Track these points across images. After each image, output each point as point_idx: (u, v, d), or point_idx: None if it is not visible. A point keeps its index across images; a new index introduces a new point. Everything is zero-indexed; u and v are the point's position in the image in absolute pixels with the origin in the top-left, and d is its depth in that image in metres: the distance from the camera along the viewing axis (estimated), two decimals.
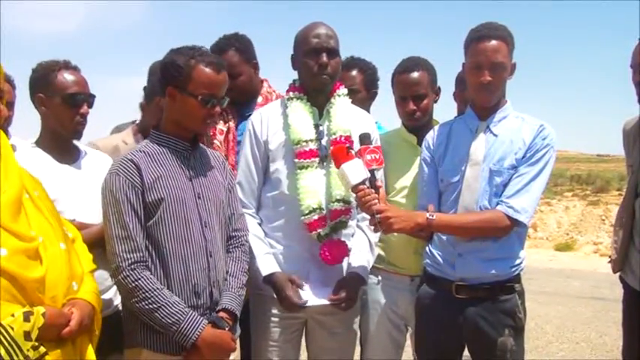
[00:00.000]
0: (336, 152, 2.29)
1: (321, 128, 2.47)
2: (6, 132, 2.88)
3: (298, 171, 2.40)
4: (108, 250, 2.04)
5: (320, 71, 2.40)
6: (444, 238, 2.41)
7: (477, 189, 2.34)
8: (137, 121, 3.11)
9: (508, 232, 2.32)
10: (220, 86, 2.14)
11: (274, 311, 2.44)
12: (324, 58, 2.39)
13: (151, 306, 1.98)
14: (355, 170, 2.22)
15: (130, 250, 1.99)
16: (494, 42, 2.30)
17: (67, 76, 2.32)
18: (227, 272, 2.22)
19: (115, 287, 2.34)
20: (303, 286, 2.38)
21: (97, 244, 2.12)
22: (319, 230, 2.39)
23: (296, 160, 2.41)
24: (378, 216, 2.21)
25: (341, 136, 2.42)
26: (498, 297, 2.35)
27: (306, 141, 2.40)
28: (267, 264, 2.40)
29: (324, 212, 2.40)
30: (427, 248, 2.49)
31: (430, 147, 2.53)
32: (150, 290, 1.98)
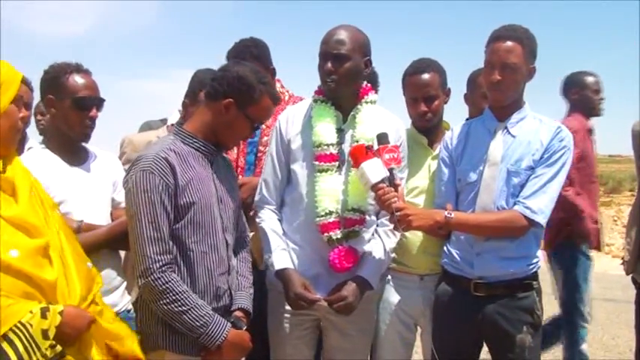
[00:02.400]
0: (355, 152, 2.30)
1: (344, 133, 2.47)
2: (23, 133, 2.93)
3: (318, 174, 2.40)
4: (134, 249, 1.99)
5: (325, 77, 2.41)
6: (462, 237, 2.44)
7: (495, 189, 2.37)
8: (167, 119, 3.19)
9: (525, 233, 2.34)
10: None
11: (287, 307, 2.45)
12: (329, 64, 2.39)
13: (180, 308, 1.96)
14: (374, 169, 2.24)
15: (161, 252, 1.96)
16: (509, 43, 2.33)
17: (78, 80, 2.32)
18: (237, 272, 2.25)
19: (121, 289, 2.37)
20: (313, 290, 2.38)
21: (104, 245, 2.14)
22: (331, 233, 2.39)
23: (316, 163, 2.41)
24: (398, 213, 2.23)
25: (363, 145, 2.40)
26: (517, 294, 2.38)
27: (328, 145, 2.40)
28: (281, 259, 2.42)
29: (339, 217, 2.41)
30: (445, 247, 2.51)
31: (448, 147, 2.56)
32: (179, 293, 1.96)
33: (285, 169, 2.50)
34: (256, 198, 2.56)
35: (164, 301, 1.96)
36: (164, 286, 1.95)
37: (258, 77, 2.11)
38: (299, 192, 2.46)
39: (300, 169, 2.46)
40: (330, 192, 2.39)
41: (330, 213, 2.38)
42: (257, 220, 2.53)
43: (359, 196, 2.40)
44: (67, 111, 2.30)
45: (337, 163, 2.42)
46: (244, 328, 2.13)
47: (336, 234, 2.40)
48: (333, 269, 2.41)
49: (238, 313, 2.16)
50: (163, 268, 1.96)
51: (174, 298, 1.96)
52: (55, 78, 2.31)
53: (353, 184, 2.40)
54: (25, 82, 2.81)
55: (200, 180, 2.08)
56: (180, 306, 1.96)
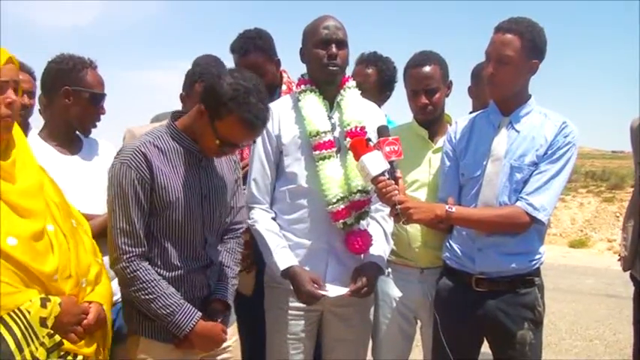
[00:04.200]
0: (355, 144, 2.30)
1: (332, 120, 2.48)
2: (26, 122, 2.93)
3: (320, 162, 2.40)
4: (109, 238, 2.04)
5: (329, 61, 2.41)
6: (464, 232, 2.42)
7: (498, 184, 2.34)
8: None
9: (526, 229, 2.32)
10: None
11: (292, 304, 2.45)
12: (334, 48, 2.40)
13: (147, 296, 2.00)
14: (375, 162, 2.23)
15: (132, 245, 2.00)
16: (506, 35, 2.29)
17: (96, 76, 2.41)
18: (221, 262, 2.25)
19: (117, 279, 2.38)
20: (322, 282, 2.38)
21: (102, 234, 2.14)
22: (346, 219, 2.40)
23: (316, 152, 2.41)
24: (399, 207, 2.23)
25: (356, 127, 2.43)
26: (518, 290, 2.36)
27: (325, 132, 2.41)
28: (284, 258, 2.40)
29: (348, 201, 2.42)
30: (447, 242, 2.50)
31: (452, 140, 2.54)
32: (147, 281, 2.00)
33: (274, 166, 2.49)
34: (246, 198, 2.52)
35: (133, 288, 2.01)
36: (132, 275, 1.99)
37: (235, 94, 1.92)
38: (298, 184, 2.45)
39: (296, 161, 2.46)
40: (335, 178, 2.40)
41: (342, 199, 2.39)
42: (248, 222, 2.49)
43: (361, 177, 2.40)
44: (84, 104, 2.37)
45: (335, 149, 2.42)
46: (220, 320, 2.14)
47: (350, 219, 2.41)
48: (354, 252, 2.44)
49: (215, 304, 2.17)
50: (132, 259, 2.00)
51: (141, 286, 2.00)
52: (74, 70, 2.35)
53: (353, 165, 2.40)
54: (28, 71, 2.81)
55: (180, 178, 2.07)
56: (147, 294, 2.00)
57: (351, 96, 2.51)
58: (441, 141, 2.67)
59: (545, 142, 2.32)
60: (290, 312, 2.48)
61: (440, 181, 2.58)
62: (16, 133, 1.81)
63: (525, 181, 2.32)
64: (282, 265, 2.39)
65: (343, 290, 2.36)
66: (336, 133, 2.46)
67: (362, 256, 2.50)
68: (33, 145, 2.29)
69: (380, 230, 2.55)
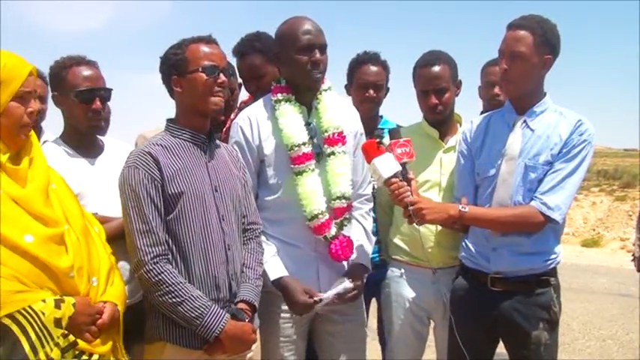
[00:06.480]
0: (366, 147, 2.29)
1: (311, 125, 2.43)
2: (39, 126, 2.96)
3: (296, 177, 2.36)
4: (129, 244, 2.02)
5: (313, 68, 2.36)
6: (479, 231, 2.41)
7: (512, 184, 2.33)
8: None
9: (540, 229, 2.30)
10: (217, 55, 2.14)
11: (284, 307, 2.42)
12: (317, 54, 2.35)
13: (174, 300, 1.97)
14: (386, 164, 2.23)
15: (151, 244, 1.98)
16: (519, 32, 2.29)
17: (79, 73, 2.30)
18: (243, 264, 2.23)
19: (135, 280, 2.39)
20: (314, 291, 2.36)
21: (119, 236, 2.15)
22: (326, 233, 2.39)
23: (292, 166, 2.37)
24: (411, 207, 2.23)
25: (334, 133, 2.40)
26: (534, 290, 2.34)
27: (299, 145, 2.36)
28: (275, 268, 2.38)
29: (328, 214, 2.40)
30: (463, 241, 2.49)
31: (467, 140, 2.52)
32: (173, 284, 1.97)
33: (255, 175, 2.43)
34: None
35: (158, 292, 1.98)
36: (156, 278, 1.97)
37: (175, 44, 2.14)
38: (280, 196, 2.41)
39: (277, 172, 2.41)
40: (312, 193, 2.36)
41: (319, 214, 2.37)
42: None
43: (341, 183, 2.40)
44: (71, 105, 2.32)
45: (313, 161, 2.38)
46: (247, 320, 2.12)
47: (330, 232, 2.40)
48: (336, 260, 2.43)
49: (241, 305, 2.14)
50: (155, 260, 1.98)
51: (167, 289, 1.97)
52: (57, 74, 2.33)
53: (332, 172, 2.39)
54: (40, 75, 2.85)
55: (189, 170, 2.09)
56: (173, 297, 1.98)
57: (327, 99, 2.46)
58: (451, 140, 2.67)
59: (560, 141, 2.30)
60: (283, 315, 2.45)
61: (455, 181, 2.57)
62: (32, 137, 1.87)
63: (540, 181, 2.30)
64: (273, 275, 2.37)
65: (333, 290, 2.35)
66: (316, 139, 2.42)
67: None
68: (53, 149, 2.30)
69: (360, 229, 2.55)
